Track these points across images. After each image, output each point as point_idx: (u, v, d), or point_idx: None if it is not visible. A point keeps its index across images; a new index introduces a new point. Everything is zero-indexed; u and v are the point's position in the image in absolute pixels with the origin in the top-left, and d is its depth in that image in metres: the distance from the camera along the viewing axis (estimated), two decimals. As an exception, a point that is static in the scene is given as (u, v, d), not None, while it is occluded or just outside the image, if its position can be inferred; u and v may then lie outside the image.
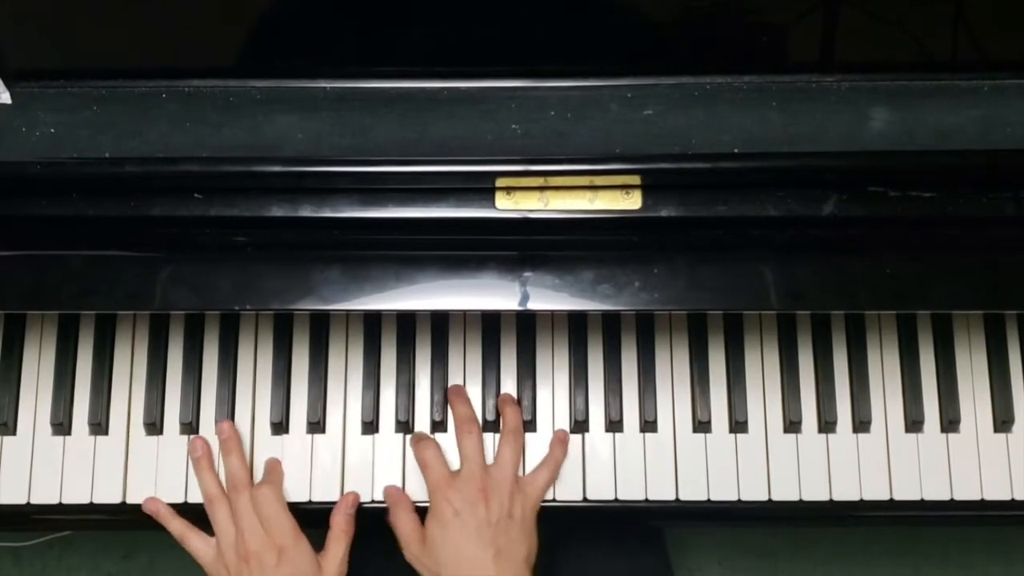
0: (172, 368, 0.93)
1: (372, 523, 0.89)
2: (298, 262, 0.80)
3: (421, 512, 0.88)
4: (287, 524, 0.84)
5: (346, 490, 0.90)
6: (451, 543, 0.82)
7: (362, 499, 0.90)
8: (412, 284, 0.80)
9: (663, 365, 0.92)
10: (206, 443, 0.89)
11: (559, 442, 0.90)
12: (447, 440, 0.91)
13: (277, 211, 0.77)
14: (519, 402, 0.92)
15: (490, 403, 0.92)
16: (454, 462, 0.89)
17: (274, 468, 0.90)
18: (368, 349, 0.93)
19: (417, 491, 0.90)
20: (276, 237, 0.79)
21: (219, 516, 0.85)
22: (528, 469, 0.90)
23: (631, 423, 0.92)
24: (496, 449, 0.89)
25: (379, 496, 0.90)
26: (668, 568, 1.04)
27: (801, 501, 0.90)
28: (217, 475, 0.88)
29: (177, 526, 0.88)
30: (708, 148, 0.75)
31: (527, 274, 0.80)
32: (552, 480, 0.89)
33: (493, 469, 0.87)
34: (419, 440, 0.89)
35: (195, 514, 0.88)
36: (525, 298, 0.80)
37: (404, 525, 0.86)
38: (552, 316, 0.94)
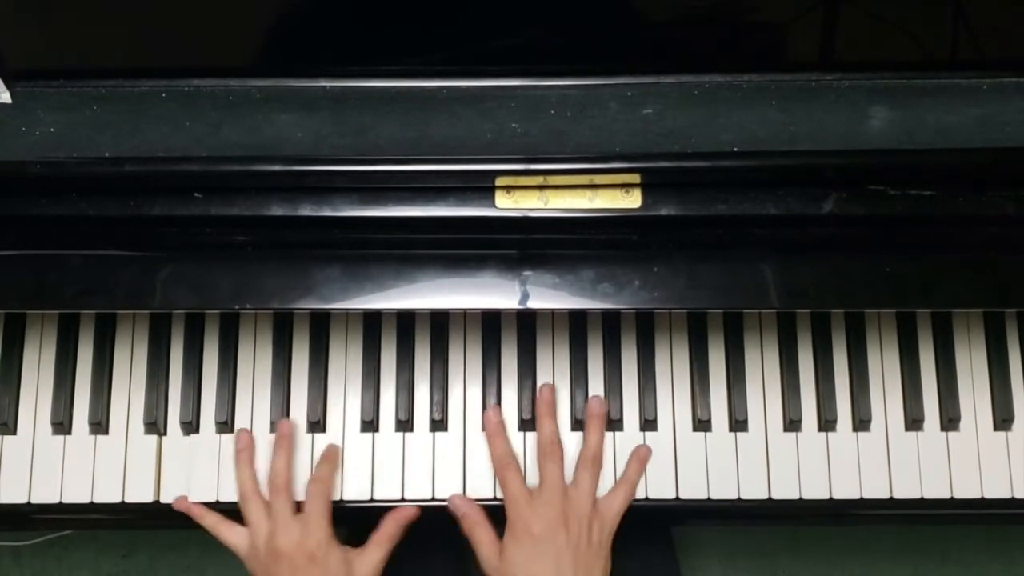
0: (172, 368, 0.93)
1: (368, 521, 0.89)
2: (298, 261, 0.80)
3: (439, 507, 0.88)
4: (324, 527, 0.84)
5: (346, 489, 0.90)
6: (528, 564, 0.82)
7: (361, 498, 0.90)
8: (412, 283, 0.80)
9: (663, 364, 0.92)
10: (251, 437, 0.90)
11: (637, 460, 0.89)
12: (446, 440, 0.91)
13: (277, 210, 0.77)
14: (518, 401, 0.92)
15: (491, 402, 0.91)
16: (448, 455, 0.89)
17: (331, 458, 0.89)
18: (368, 348, 0.93)
19: (418, 490, 0.90)
20: (276, 236, 0.79)
21: (253, 513, 0.86)
22: (530, 463, 0.90)
23: (631, 422, 0.91)
24: (574, 472, 0.87)
25: (379, 495, 0.90)
26: (676, 567, 1.03)
27: (801, 500, 0.90)
28: (255, 472, 0.88)
29: (210, 520, 0.88)
30: (708, 147, 0.75)
31: (527, 273, 0.80)
32: (628, 500, 0.88)
33: (572, 492, 0.85)
34: (503, 465, 0.87)
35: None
36: (525, 297, 0.80)
37: (482, 540, 0.85)
38: (552, 315, 0.94)
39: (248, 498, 0.86)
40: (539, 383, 0.92)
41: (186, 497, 0.89)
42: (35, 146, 0.75)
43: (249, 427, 0.91)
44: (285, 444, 0.88)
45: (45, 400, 0.92)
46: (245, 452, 0.89)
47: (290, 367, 0.92)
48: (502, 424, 0.90)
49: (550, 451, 0.87)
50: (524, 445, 0.91)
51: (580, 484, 0.86)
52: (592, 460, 0.87)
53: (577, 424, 0.91)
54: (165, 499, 0.90)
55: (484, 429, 0.90)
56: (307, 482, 0.87)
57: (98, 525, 0.95)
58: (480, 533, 0.86)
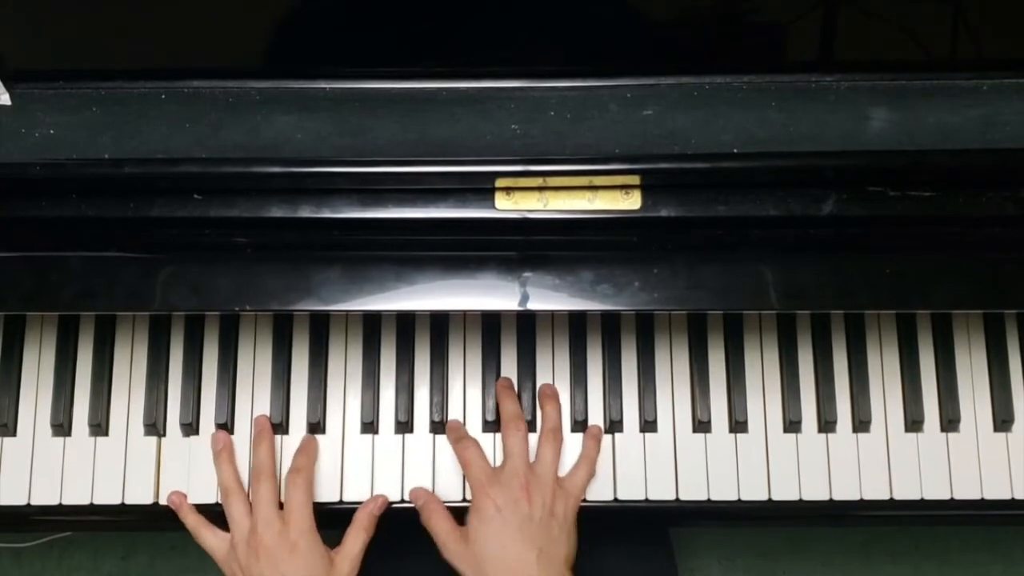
0: (172, 369, 0.93)
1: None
2: (298, 263, 0.80)
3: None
4: (306, 519, 0.84)
5: (346, 490, 0.90)
6: (494, 540, 0.82)
7: (361, 498, 0.90)
8: (412, 284, 0.80)
9: (663, 365, 0.92)
10: (227, 435, 0.90)
11: (592, 438, 0.90)
12: (445, 441, 0.91)
13: (276, 212, 0.77)
14: (519, 402, 0.91)
15: (490, 403, 0.91)
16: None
17: (311, 449, 0.89)
18: (368, 350, 0.93)
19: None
20: (276, 238, 0.79)
21: (234, 509, 0.86)
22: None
23: (631, 423, 0.91)
24: (537, 448, 0.88)
25: (383, 496, 0.90)
26: (673, 568, 1.03)
27: (801, 501, 0.90)
28: (236, 468, 0.88)
29: (193, 520, 0.88)
30: (707, 148, 0.75)
31: (527, 274, 0.80)
32: (590, 477, 0.89)
33: (536, 466, 0.87)
34: (459, 439, 0.89)
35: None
36: (525, 298, 0.80)
37: (439, 524, 0.86)
38: (552, 316, 0.94)
39: (231, 493, 0.86)
40: (539, 384, 0.92)
41: (184, 495, 0.89)
42: (35, 148, 0.75)
43: (249, 428, 0.91)
44: (266, 436, 0.89)
45: (45, 401, 0.92)
46: (226, 450, 0.89)
47: (290, 369, 0.92)
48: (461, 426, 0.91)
49: (513, 425, 0.88)
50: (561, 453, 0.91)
51: (542, 458, 0.87)
52: (552, 433, 0.88)
53: (577, 425, 0.91)
54: (165, 501, 0.90)
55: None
56: (286, 473, 0.87)
57: (98, 527, 0.95)
58: (439, 521, 0.86)
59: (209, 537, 0.87)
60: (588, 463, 0.89)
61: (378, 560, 0.88)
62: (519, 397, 0.92)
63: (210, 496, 0.90)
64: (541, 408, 0.91)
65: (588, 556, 0.98)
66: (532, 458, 0.88)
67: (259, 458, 0.88)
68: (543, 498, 0.84)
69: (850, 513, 0.91)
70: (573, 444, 0.91)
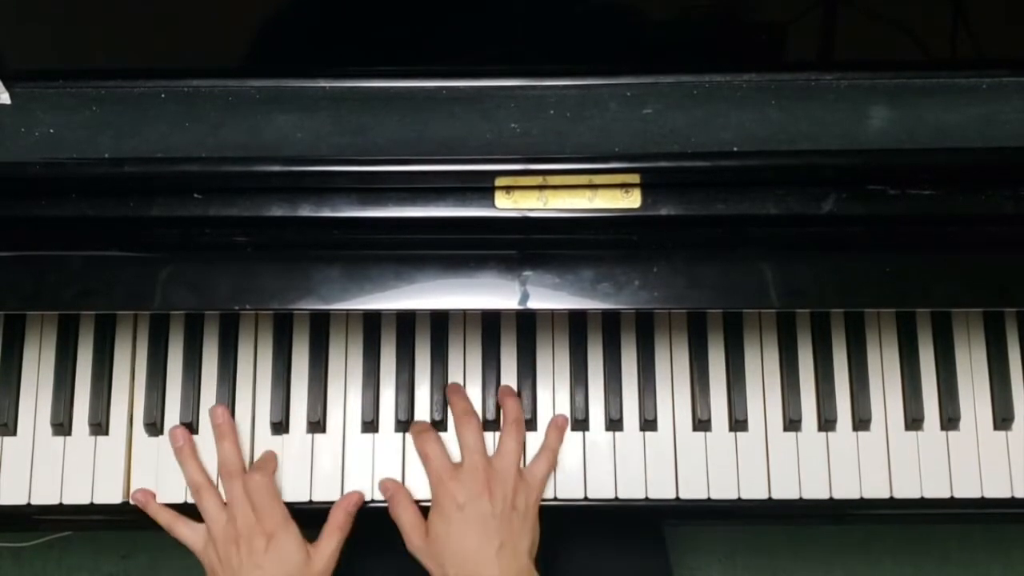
0: (172, 368, 0.93)
1: (372, 522, 0.89)
2: (297, 262, 0.80)
3: (424, 509, 0.88)
4: (278, 511, 0.85)
5: (347, 489, 0.90)
6: (454, 537, 0.83)
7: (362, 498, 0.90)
8: (412, 283, 0.80)
9: (663, 364, 0.92)
10: (186, 431, 0.90)
11: (555, 428, 0.90)
12: (448, 438, 0.91)
13: (276, 211, 0.77)
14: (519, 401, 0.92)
15: (490, 402, 0.92)
16: (456, 456, 0.89)
17: (269, 457, 0.90)
18: (368, 349, 0.93)
19: (417, 488, 0.90)
20: (275, 237, 0.79)
21: (208, 504, 0.86)
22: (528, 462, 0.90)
23: (631, 422, 0.92)
24: (497, 441, 0.89)
25: (379, 495, 0.90)
26: (668, 568, 1.04)
27: (801, 499, 0.90)
28: (201, 463, 0.88)
29: (165, 517, 0.88)
30: (707, 146, 0.75)
31: (527, 273, 0.80)
32: (551, 468, 0.89)
33: (496, 460, 0.87)
34: (420, 432, 0.89)
35: (196, 514, 0.89)
36: (525, 297, 0.80)
37: (405, 517, 0.86)
38: (552, 315, 0.94)
39: (201, 489, 0.87)
40: (539, 383, 0.92)
41: (151, 493, 0.89)
42: (35, 147, 0.75)
43: (249, 428, 0.91)
44: (227, 430, 0.89)
45: (45, 401, 0.92)
46: (187, 447, 0.89)
47: (290, 368, 0.92)
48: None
49: (466, 420, 0.88)
50: (524, 446, 0.91)
51: (504, 450, 0.87)
52: (515, 424, 0.88)
53: (578, 424, 0.91)
54: (165, 500, 0.90)
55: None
56: (244, 479, 0.86)
57: (98, 526, 0.95)
58: (404, 514, 0.87)
59: (185, 530, 0.87)
60: (549, 454, 0.89)
61: (356, 557, 0.89)
62: (519, 396, 0.92)
63: (210, 495, 0.89)
64: (501, 403, 0.91)
65: (583, 555, 0.98)
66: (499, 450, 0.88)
67: (225, 454, 0.88)
68: (504, 492, 0.84)
69: (850, 512, 0.91)
70: (574, 443, 0.91)
